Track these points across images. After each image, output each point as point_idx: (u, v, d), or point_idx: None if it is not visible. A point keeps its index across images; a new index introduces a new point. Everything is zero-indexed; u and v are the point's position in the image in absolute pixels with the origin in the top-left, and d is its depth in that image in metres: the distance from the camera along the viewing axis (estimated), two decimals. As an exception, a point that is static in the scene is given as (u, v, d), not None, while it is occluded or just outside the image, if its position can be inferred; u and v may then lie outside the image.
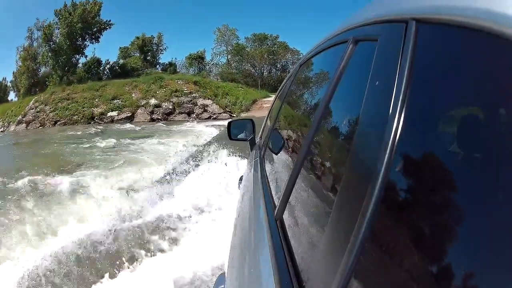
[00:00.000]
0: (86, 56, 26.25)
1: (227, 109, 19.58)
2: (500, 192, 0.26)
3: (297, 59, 30.53)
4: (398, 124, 0.37)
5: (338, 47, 0.79)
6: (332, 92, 0.70)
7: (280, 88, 2.17)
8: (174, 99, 20.02)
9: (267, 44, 33.28)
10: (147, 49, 28.17)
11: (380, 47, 0.50)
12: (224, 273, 1.43)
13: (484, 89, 0.30)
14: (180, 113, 19.61)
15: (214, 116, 19.08)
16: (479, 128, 0.31)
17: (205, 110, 19.66)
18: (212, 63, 33.54)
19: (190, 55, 31.53)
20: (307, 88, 1.32)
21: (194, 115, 19.42)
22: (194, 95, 20.33)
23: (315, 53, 1.15)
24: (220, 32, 33.37)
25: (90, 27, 24.69)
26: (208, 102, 20.09)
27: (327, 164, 0.71)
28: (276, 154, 1.30)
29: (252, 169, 1.58)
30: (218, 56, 34.18)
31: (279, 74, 32.53)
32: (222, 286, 1.29)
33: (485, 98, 0.31)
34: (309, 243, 0.60)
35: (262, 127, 2.26)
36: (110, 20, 26.06)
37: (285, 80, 1.98)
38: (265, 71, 33.32)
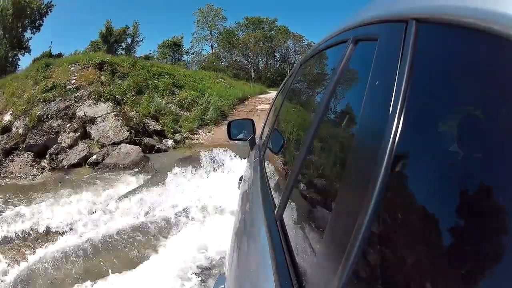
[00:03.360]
0: (30, 51, 18.86)
1: (151, 127, 8.28)
2: (500, 192, 0.26)
3: (300, 46, 25.14)
4: (398, 124, 0.37)
5: (338, 47, 0.79)
6: (332, 92, 0.70)
7: (280, 87, 2.18)
8: (37, 109, 8.54)
9: (263, 29, 26.05)
10: (114, 39, 20.67)
11: (380, 47, 0.50)
12: (224, 273, 1.43)
13: (484, 89, 0.30)
14: (31, 146, 7.74)
15: (101, 155, 7.29)
16: (479, 128, 0.31)
17: (85, 136, 7.97)
18: (192, 51, 25.83)
19: (163, 42, 23.62)
20: (307, 88, 1.32)
21: (52, 153, 7.53)
22: (81, 93, 8.87)
23: (315, 52, 1.15)
24: (202, 12, 25.56)
25: (24, 12, 17.92)
26: (100, 109, 8.40)
27: (327, 164, 0.71)
28: (276, 154, 1.30)
29: (252, 169, 1.58)
30: (200, 43, 26.22)
31: (278, 65, 25.90)
32: (222, 286, 1.29)
33: (485, 98, 0.31)
34: (309, 243, 0.60)
35: (262, 127, 2.27)
36: (51, 1, 18.77)
37: (285, 80, 1.98)
38: (260, 62, 26.06)
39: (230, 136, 2.31)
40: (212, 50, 26.33)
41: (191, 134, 8.73)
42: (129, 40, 22.06)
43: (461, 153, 0.32)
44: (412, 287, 0.32)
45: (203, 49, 26.65)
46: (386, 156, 0.36)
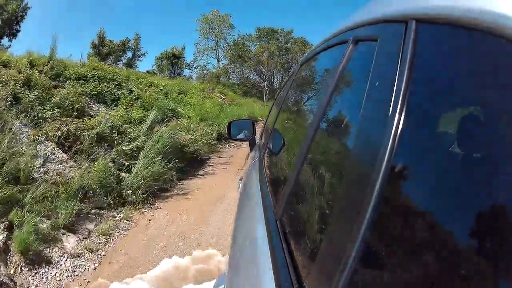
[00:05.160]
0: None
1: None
2: (500, 192, 0.26)
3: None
4: (398, 124, 0.37)
5: (338, 47, 0.79)
6: (332, 92, 0.70)
7: (280, 87, 2.18)
8: None
9: (277, 40, 22.31)
10: (108, 50, 16.93)
11: (380, 47, 0.50)
12: (224, 273, 1.42)
13: (484, 89, 0.30)
14: None
15: None
16: (479, 128, 0.31)
17: None
18: (195, 65, 21.74)
19: (161, 54, 19.74)
20: (307, 88, 1.32)
21: None
22: None
23: (315, 53, 1.15)
24: (206, 19, 21.18)
25: (1, 15, 15.46)
26: None
27: (327, 164, 0.71)
28: (277, 154, 1.30)
29: (252, 169, 1.58)
30: (204, 54, 21.99)
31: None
32: (222, 286, 1.29)
33: (484, 98, 0.30)
34: (309, 244, 0.60)
35: (263, 127, 2.27)
36: (27, 4, 16.28)
37: (286, 80, 1.98)
38: (275, 80, 21.92)
39: (230, 136, 2.31)
40: (218, 63, 22.36)
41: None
42: (129, 54, 18.30)
43: (461, 153, 0.33)
44: (412, 287, 0.32)
45: (208, 62, 23.11)
46: (386, 156, 0.36)
